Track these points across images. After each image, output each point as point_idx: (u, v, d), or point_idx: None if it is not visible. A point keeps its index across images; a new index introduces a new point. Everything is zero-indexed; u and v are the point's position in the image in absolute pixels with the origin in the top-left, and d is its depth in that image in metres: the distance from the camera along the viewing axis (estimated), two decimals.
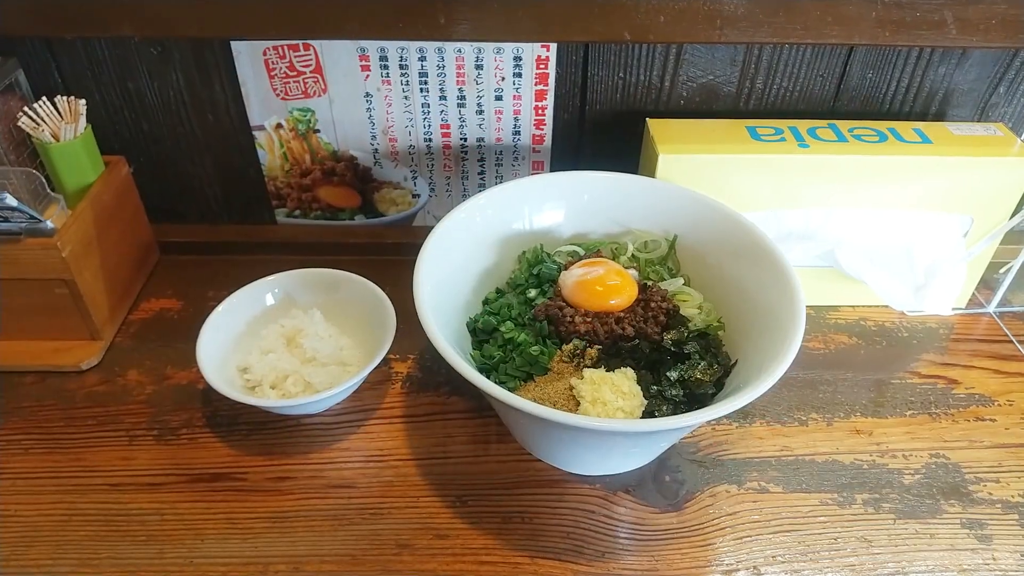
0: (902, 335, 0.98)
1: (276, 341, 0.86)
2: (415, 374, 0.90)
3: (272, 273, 0.86)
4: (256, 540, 0.70)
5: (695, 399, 0.73)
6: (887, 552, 0.72)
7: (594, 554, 0.71)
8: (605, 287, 0.78)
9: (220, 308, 0.85)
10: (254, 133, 1.00)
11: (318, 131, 0.99)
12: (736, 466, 0.80)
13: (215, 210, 1.06)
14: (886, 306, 0.98)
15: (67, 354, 0.90)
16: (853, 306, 1.01)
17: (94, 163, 0.90)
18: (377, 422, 0.85)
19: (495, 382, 0.72)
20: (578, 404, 0.70)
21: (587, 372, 0.72)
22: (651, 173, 0.84)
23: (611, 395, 0.68)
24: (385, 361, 0.87)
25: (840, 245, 0.90)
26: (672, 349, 0.74)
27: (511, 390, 0.73)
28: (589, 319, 0.76)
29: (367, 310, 0.87)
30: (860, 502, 0.77)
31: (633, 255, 0.87)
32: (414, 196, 1.04)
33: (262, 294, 0.89)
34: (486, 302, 0.85)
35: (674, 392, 0.71)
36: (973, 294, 1.00)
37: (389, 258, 0.93)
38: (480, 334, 0.80)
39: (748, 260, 0.79)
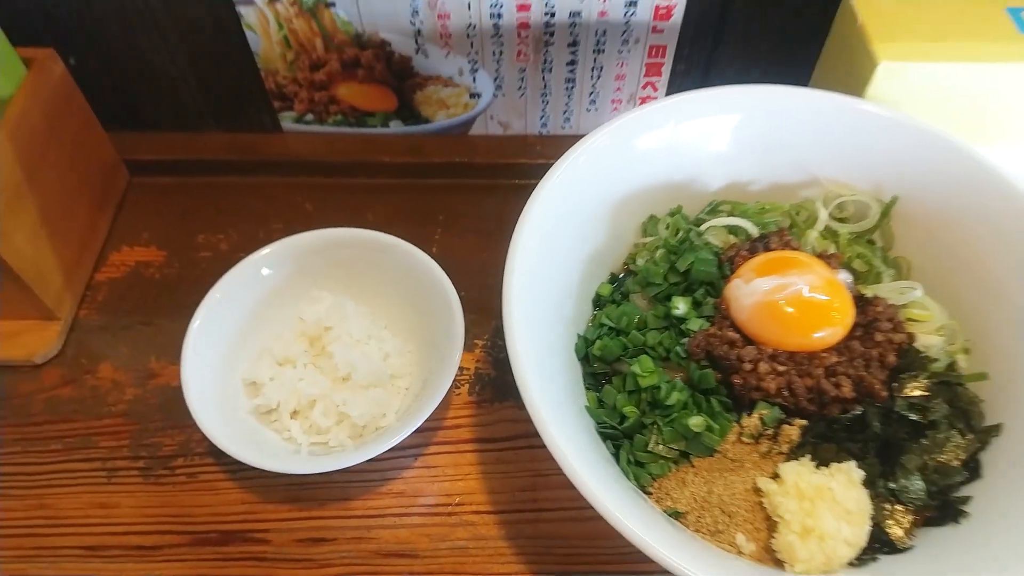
0: None
1: (294, 344, 0.60)
2: (486, 371, 0.65)
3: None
4: None
5: (939, 497, 0.47)
6: None
7: None
8: (807, 313, 0.50)
9: (214, 297, 0.59)
10: (238, 9, 0.67)
11: (332, 4, 0.66)
12: None
13: (192, 111, 0.78)
14: None
15: (14, 342, 0.66)
16: None
17: (7, 66, 0.61)
18: (438, 449, 0.61)
19: (628, 463, 0.48)
20: (768, 523, 0.45)
21: (787, 469, 0.47)
22: (857, 83, 0.57)
23: (832, 522, 0.43)
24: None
25: None
26: (909, 416, 0.48)
27: (655, 477, 0.48)
28: (782, 367, 0.49)
29: (416, 288, 0.60)
30: None
31: (828, 228, 0.57)
32: (472, 96, 0.74)
33: (268, 267, 0.62)
34: (598, 302, 0.57)
35: (914, 489, 0.45)
36: None
37: (436, 181, 0.77)
38: (595, 362, 0.54)
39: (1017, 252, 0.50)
